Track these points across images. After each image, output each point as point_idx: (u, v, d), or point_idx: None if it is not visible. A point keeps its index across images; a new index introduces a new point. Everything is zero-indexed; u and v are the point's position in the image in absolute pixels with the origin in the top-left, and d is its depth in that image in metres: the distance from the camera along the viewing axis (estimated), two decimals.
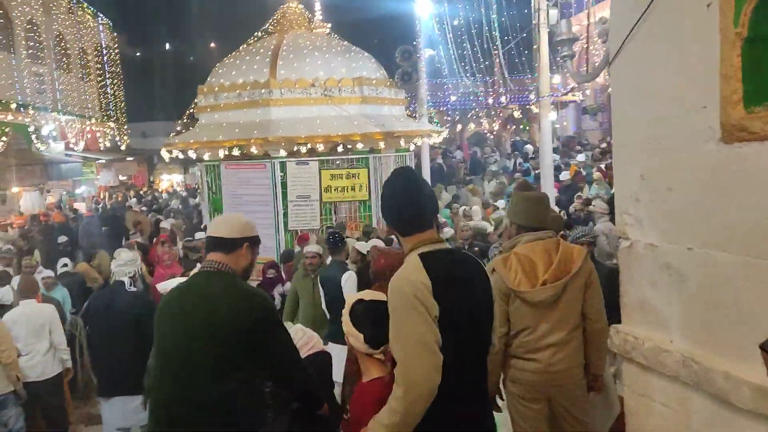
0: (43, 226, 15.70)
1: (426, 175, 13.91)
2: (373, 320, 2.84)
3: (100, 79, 26.52)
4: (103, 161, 26.33)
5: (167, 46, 43.64)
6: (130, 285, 5.77)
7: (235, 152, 11.23)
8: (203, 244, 5.75)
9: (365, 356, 2.95)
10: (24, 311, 6.34)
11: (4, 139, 16.24)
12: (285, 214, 11.57)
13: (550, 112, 12.63)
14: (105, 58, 27.13)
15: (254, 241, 3.31)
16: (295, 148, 11.26)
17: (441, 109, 22.49)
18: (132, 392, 5.47)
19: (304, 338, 3.67)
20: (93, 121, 24.76)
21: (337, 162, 11.73)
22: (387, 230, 9.86)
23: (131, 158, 29.97)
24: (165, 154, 12.85)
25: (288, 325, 3.71)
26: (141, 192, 29.25)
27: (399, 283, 2.62)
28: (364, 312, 2.92)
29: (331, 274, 7.03)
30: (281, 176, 11.48)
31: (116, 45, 28.86)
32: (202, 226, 12.93)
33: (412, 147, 13.25)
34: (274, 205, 11.56)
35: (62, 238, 13.62)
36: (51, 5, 21.26)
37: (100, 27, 26.97)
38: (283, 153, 11.11)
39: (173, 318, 3.08)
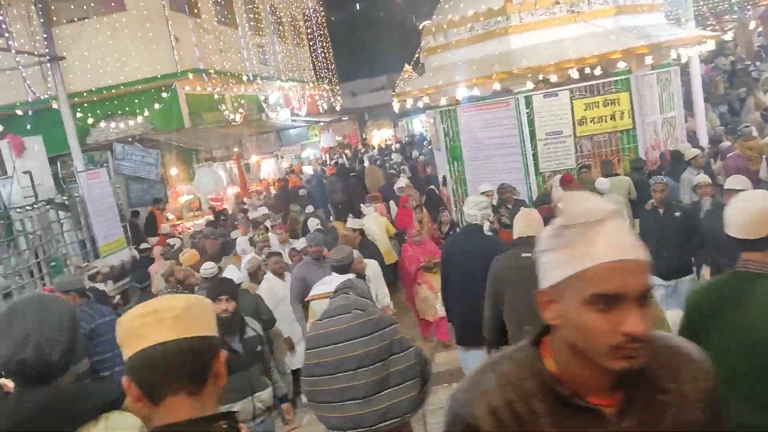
0: (281, 191, 16.30)
1: (697, 94, 11.63)
2: None
3: (311, 43, 27.19)
4: (322, 124, 27.16)
5: (363, 6, 43.89)
6: (488, 230, 5.69)
7: (475, 92, 10.18)
8: None
9: None
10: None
11: (240, 110, 17.07)
12: (534, 155, 10.35)
13: None
14: (314, 22, 27.69)
15: None
16: (540, 78, 9.93)
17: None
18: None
19: None
20: (311, 85, 25.50)
21: (590, 89, 10.14)
22: None
23: (345, 118, 30.68)
24: (395, 105, 12.27)
25: None
26: (356, 149, 29.95)
27: None
28: None
29: None
30: (527, 113, 10.24)
31: (321, 8, 29.37)
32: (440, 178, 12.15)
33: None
34: (521, 146, 10.39)
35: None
36: None
37: None
38: (529, 85, 9.81)
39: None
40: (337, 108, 29.28)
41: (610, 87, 10.01)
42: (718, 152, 10.24)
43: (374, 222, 10.34)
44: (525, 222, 4.75)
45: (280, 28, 23.40)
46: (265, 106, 19.48)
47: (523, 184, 10.49)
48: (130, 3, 15.01)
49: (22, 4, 13.54)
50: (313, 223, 9.41)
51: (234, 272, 6.46)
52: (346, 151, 29.13)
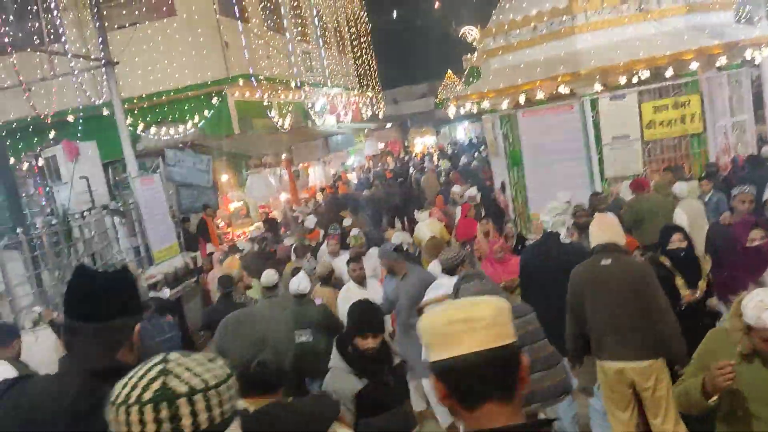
0: (332, 198, 16.12)
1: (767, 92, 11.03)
2: None
3: (355, 50, 27.10)
4: (366, 131, 27.00)
5: (404, 8, 43.82)
6: (565, 237, 5.50)
7: (539, 95, 9.80)
8: None
9: None
10: None
11: (289, 117, 16.97)
12: (600, 161, 9.91)
13: None
14: (358, 27, 27.60)
15: None
16: (608, 80, 9.49)
17: None
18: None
19: None
20: (355, 92, 25.38)
21: (659, 91, 9.67)
22: None
23: (389, 125, 30.47)
24: (451, 110, 11.97)
25: None
26: (399, 156, 29.70)
27: None
28: None
29: None
30: (592, 116, 9.81)
31: (365, 15, 29.29)
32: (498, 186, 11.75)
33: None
34: (585, 151, 9.96)
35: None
36: None
37: None
38: (598, 87, 9.39)
39: None
40: (380, 115, 29.09)
41: (680, 89, 9.54)
42: None
43: (427, 228, 10.03)
44: (601, 228, 4.57)
45: (326, 34, 23.34)
46: (311, 112, 19.36)
47: (587, 189, 10.06)
48: (181, 8, 15.05)
49: (73, 9, 13.65)
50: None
51: (304, 279, 6.20)
52: (389, 158, 28.97)
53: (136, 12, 15.14)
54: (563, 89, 9.53)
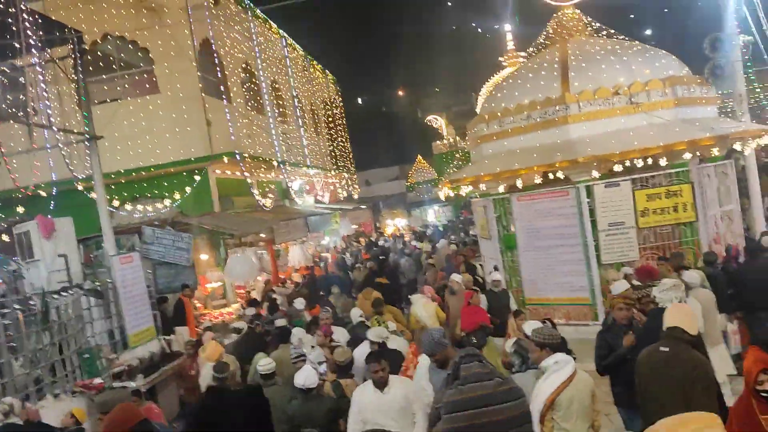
0: (309, 279, 15.71)
1: (754, 188, 11.31)
2: None
3: (332, 132, 27.40)
4: (342, 211, 26.91)
5: (380, 95, 45.25)
6: None
7: (536, 180, 9.82)
8: None
9: None
10: None
11: (270, 196, 16.73)
12: (596, 246, 9.87)
13: None
14: (333, 111, 28.03)
15: None
16: (595, 171, 9.60)
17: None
18: None
19: None
20: (332, 173, 25.43)
21: (651, 180, 9.81)
22: None
23: (364, 207, 30.52)
24: (441, 194, 11.93)
25: None
26: (371, 239, 29.51)
27: None
28: None
29: None
30: (588, 202, 9.85)
31: (341, 98, 29.86)
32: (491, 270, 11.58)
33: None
34: (582, 236, 9.92)
35: (334, 289, 13.21)
36: (289, 65, 22.25)
37: (328, 81, 28.03)
38: (595, 174, 9.46)
39: None
40: (355, 196, 29.12)
41: (672, 178, 9.70)
42: None
43: (423, 308, 9.79)
44: (671, 314, 4.50)
45: (304, 116, 23.57)
46: (292, 192, 19.20)
47: (583, 275, 9.98)
48: (164, 86, 14.97)
49: (54, 83, 13.42)
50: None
51: (311, 374, 5.74)
52: (361, 239, 28.77)
53: (118, 88, 15.01)
54: (561, 174, 9.58)
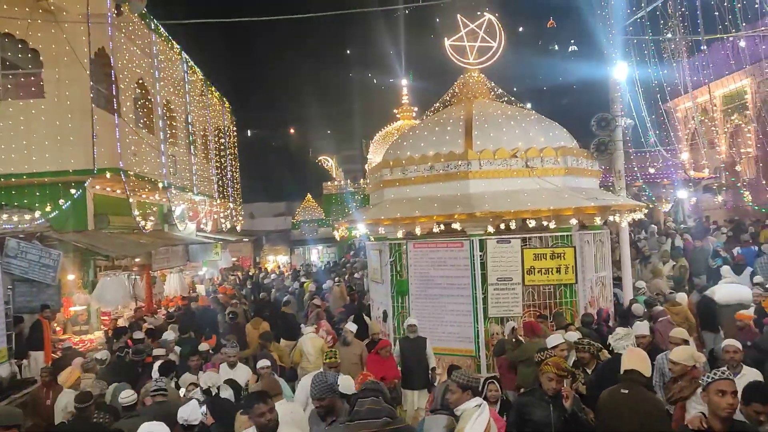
0: (185, 310, 14.90)
1: (625, 257, 12.25)
2: None
3: (222, 160, 26.63)
4: (225, 242, 26.03)
5: (273, 129, 44.87)
6: None
7: (435, 229, 10.06)
8: None
9: None
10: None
11: (152, 218, 15.83)
12: (485, 299, 10.19)
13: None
14: (225, 139, 27.32)
15: None
16: (494, 225, 10.03)
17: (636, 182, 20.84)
18: None
19: None
20: (217, 202, 24.59)
21: (539, 240, 10.38)
22: None
23: (246, 239, 29.66)
24: (336, 233, 11.88)
25: None
26: (249, 273, 28.70)
27: None
28: None
29: None
30: (480, 256, 10.19)
31: (235, 127, 29.21)
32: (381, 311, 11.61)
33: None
34: (472, 288, 10.21)
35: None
36: (187, 87, 21.53)
37: (224, 109, 27.36)
38: (491, 229, 9.85)
39: None
40: (238, 228, 28.28)
41: (557, 241, 10.30)
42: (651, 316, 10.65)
43: (310, 343, 9.74)
44: (629, 358, 5.01)
45: (196, 140, 22.77)
46: (175, 217, 18.27)
47: (470, 327, 10.23)
48: (50, 91, 13.89)
49: None
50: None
51: (195, 408, 5.36)
52: (238, 273, 27.87)
53: (0, 88, 13.74)
54: (456, 226, 9.87)
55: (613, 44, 12.17)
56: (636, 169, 15.88)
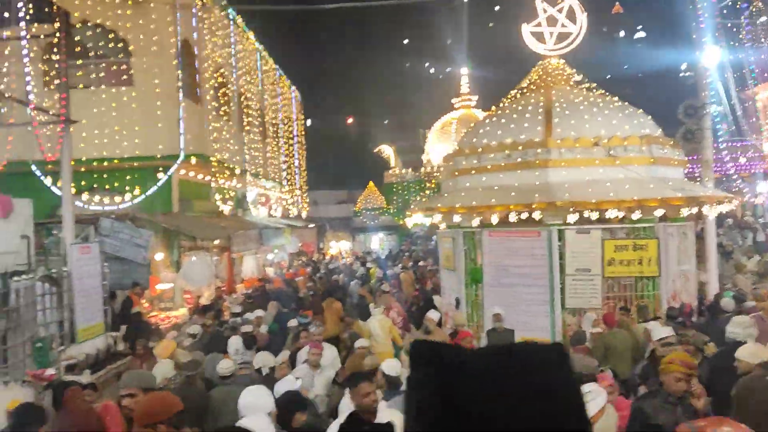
0: (261, 291, 15.40)
1: (711, 250, 11.92)
2: None
3: (290, 148, 27.23)
4: (291, 228, 26.64)
5: (334, 118, 45.44)
6: None
7: (512, 218, 10.07)
8: None
9: None
10: None
11: (230, 203, 16.42)
12: (562, 290, 10.14)
13: None
14: (294, 127, 27.89)
15: None
16: (574, 215, 9.95)
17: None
18: None
19: None
20: (285, 189, 25.20)
21: (620, 231, 10.24)
22: None
23: (312, 225, 30.27)
24: (413, 219, 12.05)
25: None
26: (313, 258, 29.27)
27: None
28: None
29: None
30: (558, 246, 10.14)
31: (303, 115, 29.78)
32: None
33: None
34: (549, 279, 10.18)
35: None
36: (260, 77, 22.10)
37: (293, 98, 27.94)
38: (571, 219, 9.78)
39: None
40: (303, 215, 28.89)
41: (639, 232, 10.13)
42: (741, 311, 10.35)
43: (378, 323, 9.80)
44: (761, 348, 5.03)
45: (268, 128, 23.37)
46: (249, 202, 18.89)
47: (547, 317, 10.21)
48: (139, 79, 14.58)
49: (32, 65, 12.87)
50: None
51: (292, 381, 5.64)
52: (302, 258, 28.46)
53: (92, 75, 14.50)
54: (535, 216, 9.85)
55: (705, 28, 11.76)
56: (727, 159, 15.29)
